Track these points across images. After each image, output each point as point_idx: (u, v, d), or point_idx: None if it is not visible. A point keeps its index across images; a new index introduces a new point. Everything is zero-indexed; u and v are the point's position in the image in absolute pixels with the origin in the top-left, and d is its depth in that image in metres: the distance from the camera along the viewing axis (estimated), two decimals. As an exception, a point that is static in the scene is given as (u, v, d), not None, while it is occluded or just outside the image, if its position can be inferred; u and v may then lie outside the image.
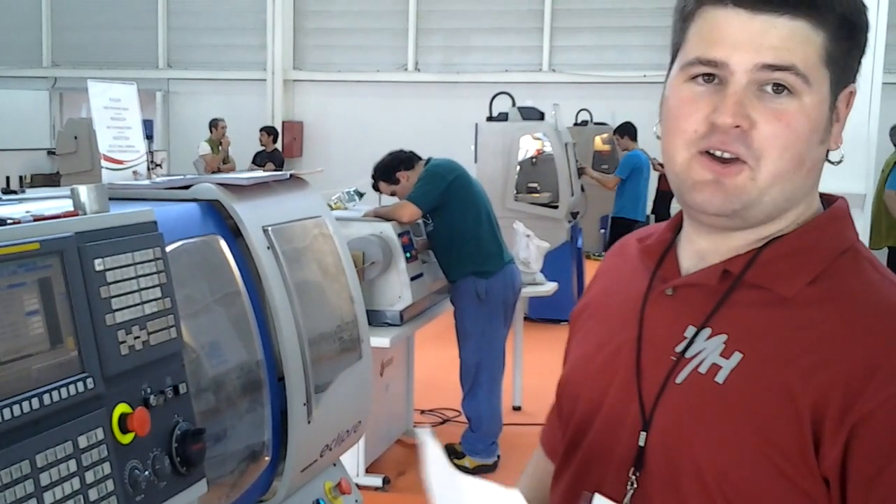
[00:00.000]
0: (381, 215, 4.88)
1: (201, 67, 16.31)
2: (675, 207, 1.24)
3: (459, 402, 5.17)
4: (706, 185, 1.09)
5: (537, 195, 8.78)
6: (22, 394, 1.14)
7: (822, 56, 1.07)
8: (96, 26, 16.53)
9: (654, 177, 9.97)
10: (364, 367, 2.26)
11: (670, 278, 1.20)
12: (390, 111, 15.23)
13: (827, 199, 1.19)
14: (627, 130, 9.85)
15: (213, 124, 12.58)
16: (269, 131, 13.26)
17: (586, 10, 14.81)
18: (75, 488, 1.18)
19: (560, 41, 15.02)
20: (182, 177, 2.14)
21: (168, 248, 1.45)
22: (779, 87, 1.07)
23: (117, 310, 1.30)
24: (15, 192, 2.06)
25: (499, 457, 5.12)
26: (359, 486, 2.45)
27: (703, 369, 1.10)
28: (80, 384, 1.21)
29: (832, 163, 1.15)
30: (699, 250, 1.19)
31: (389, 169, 5.13)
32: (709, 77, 1.09)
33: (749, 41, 1.06)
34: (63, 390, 1.18)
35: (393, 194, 5.19)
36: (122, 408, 1.28)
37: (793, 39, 1.06)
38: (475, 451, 5.07)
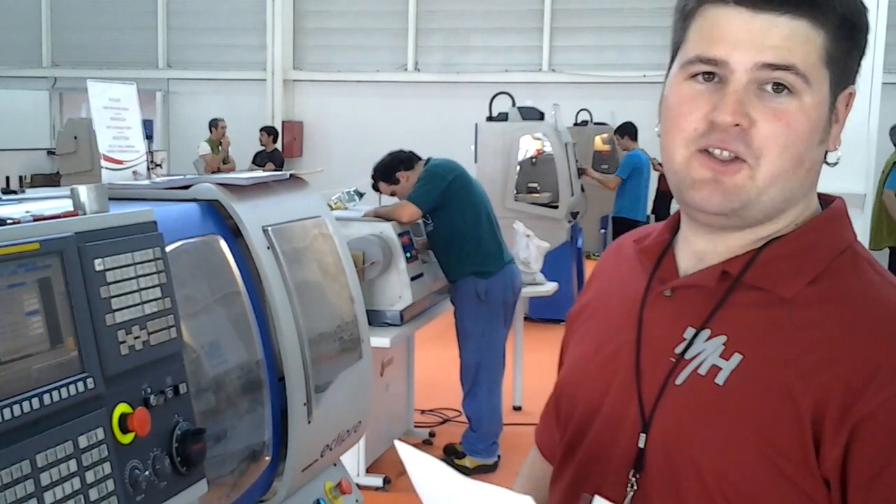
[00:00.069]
0: (381, 215, 4.88)
1: (201, 67, 16.31)
2: (675, 207, 1.23)
3: (460, 401, 5.17)
4: (705, 184, 1.09)
5: (537, 195, 8.77)
6: (22, 394, 1.14)
7: (823, 56, 1.07)
8: (96, 26, 16.53)
9: (654, 177, 9.97)
10: (364, 367, 2.26)
11: (669, 279, 1.19)
12: (390, 111, 15.23)
13: (825, 200, 1.19)
14: (628, 130, 9.86)
15: (213, 124, 12.58)
16: (268, 131, 13.26)
17: (586, 9, 14.80)
18: (76, 488, 1.18)
19: (560, 41, 15.02)
20: (182, 177, 2.14)
21: (168, 248, 1.46)
22: (779, 87, 1.07)
23: (117, 310, 1.30)
24: (15, 192, 2.06)
25: (499, 457, 5.12)
26: (359, 486, 2.45)
27: (702, 371, 1.10)
28: (80, 384, 1.21)
29: (829, 164, 1.15)
30: (697, 251, 1.18)
31: (389, 169, 5.13)
32: (709, 75, 1.09)
33: (750, 40, 1.06)
34: (63, 390, 1.18)
35: (393, 194, 5.19)
36: (122, 408, 1.28)
37: (793, 39, 1.06)
38: (475, 451, 5.07)
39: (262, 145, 13.15)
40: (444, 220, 4.94)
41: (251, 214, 1.92)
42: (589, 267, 8.84)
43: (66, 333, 1.22)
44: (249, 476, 1.87)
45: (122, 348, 1.29)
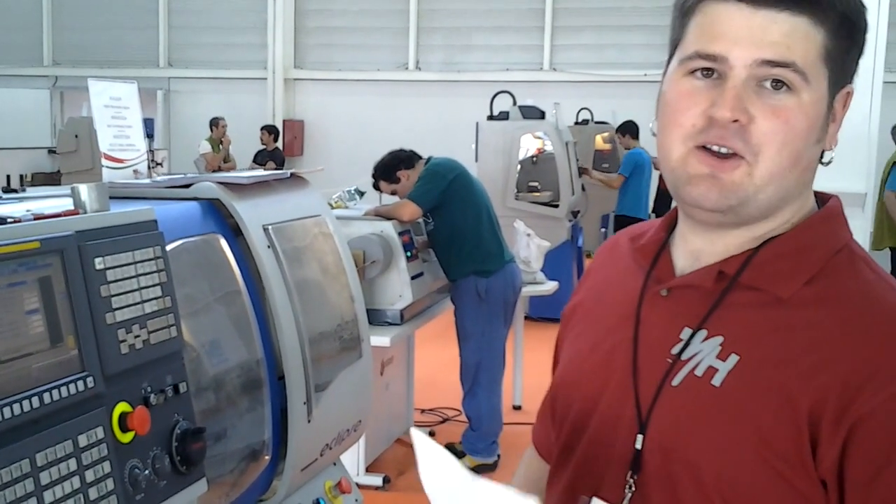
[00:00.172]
0: (381, 214, 4.88)
1: (202, 66, 16.30)
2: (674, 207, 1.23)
3: (459, 401, 5.17)
4: (702, 180, 1.09)
5: (538, 194, 8.77)
6: (22, 393, 1.14)
7: (822, 54, 1.07)
8: (97, 25, 16.52)
9: (655, 175, 9.97)
10: (364, 366, 2.26)
11: (665, 279, 1.19)
12: (391, 110, 15.22)
13: (820, 198, 1.19)
14: (629, 129, 9.86)
15: (214, 123, 12.57)
16: (269, 130, 13.25)
17: (587, 8, 14.79)
18: (75, 487, 1.18)
19: (561, 40, 15.01)
20: (183, 175, 2.14)
21: (168, 247, 1.45)
22: (778, 84, 1.06)
23: (117, 308, 1.30)
24: (15, 191, 2.06)
25: (499, 456, 5.13)
26: (359, 486, 2.45)
27: (699, 372, 1.10)
28: (80, 383, 1.21)
29: (823, 164, 1.15)
30: (694, 249, 1.18)
31: (390, 168, 5.13)
32: (708, 71, 1.09)
33: (749, 36, 1.06)
34: (63, 389, 1.18)
35: (393, 193, 5.19)
36: (122, 407, 1.28)
37: (793, 36, 1.05)
38: (475, 451, 5.07)
39: (262, 144, 13.15)
40: (445, 219, 4.94)
41: (252, 213, 1.92)
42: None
43: (67, 332, 1.22)
44: (249, 475, 1.87)
45: (122, 347, 1.29)
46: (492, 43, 15.12)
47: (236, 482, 1.83)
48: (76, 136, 4.80)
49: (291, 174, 2.21)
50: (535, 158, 9.02)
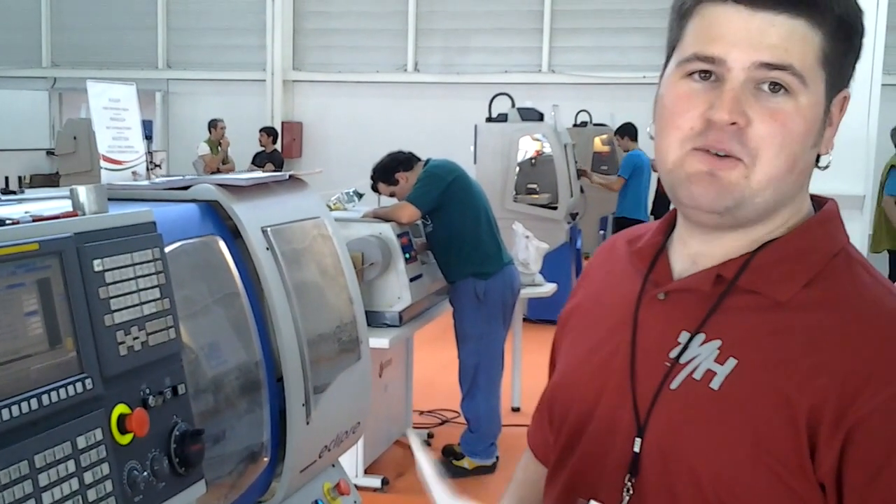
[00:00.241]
0: (380, 216, 4.88)
1: (201, 68, 16.31)
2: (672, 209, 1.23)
3: (458, 403, 5.17)
4: (701, 178, 1.08)
5: (536, 196, 8.78)
6: (21, 394, 1.13)
7: (819, 56, 1.07)
8: (96, 27, 16.52)
9: (654, 177, 9.98)
10: (363, 368, 2.26)
11: (662, 282, 1.19)
12: (390, 112, 15.22)
13: (817, 202, 1.19)
14: (628, 131, 9.87)
15: (213, 125, 12.57)
16: (268, 132, 13.25)
17: (586, 11, 14.80)
18: (74, 489, 1.18)
19: (559, 42, 15.02)
20: (181, 177, 2.14)
21: (167, 249, 1.45)
22: (775, 86, 1.06)
23: (116, 310, 1.30)
24: (14, 193, 2.06)
25: (497, 458, 5.13)
26: (357, 487, 2.45)
27: (697, 375, 1.10)
28: (78, 385, 1.21)
29: (820, 167, 1.15)
30: (691, 253, 1.18)
31: (388, 170, 5.13)
32: (705, 74, 1.09)
33: (748, 39, 1.06)
34: (62, 391, 1.18)
35: (392, 195, 5.19)
36: (120, 408, 1.28)
37: (791, 39, 1.05)
38: (474, 453, 5.07)
39: (261, 146, 13.15)
40: (444, 221, 4.94)
41: (250, 215, 1.92)
42: (588, 268, 8.82)
43: (65, 334, 1.22)
44: (248, 477, 1.87)
45: (120, 349, 1.29)
46: (490, 45, 15.13)
47: (235, 484, 1.82)
48: (75, 138, 4.80)
49: (290, 176, 2.21)
50: (533, 160, 9.02)
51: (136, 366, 1.32)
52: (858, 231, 4.77)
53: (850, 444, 1.00)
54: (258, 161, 12.88)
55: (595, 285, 1.34)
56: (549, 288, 6.23)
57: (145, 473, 1.30)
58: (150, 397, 1.34)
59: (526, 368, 6.18)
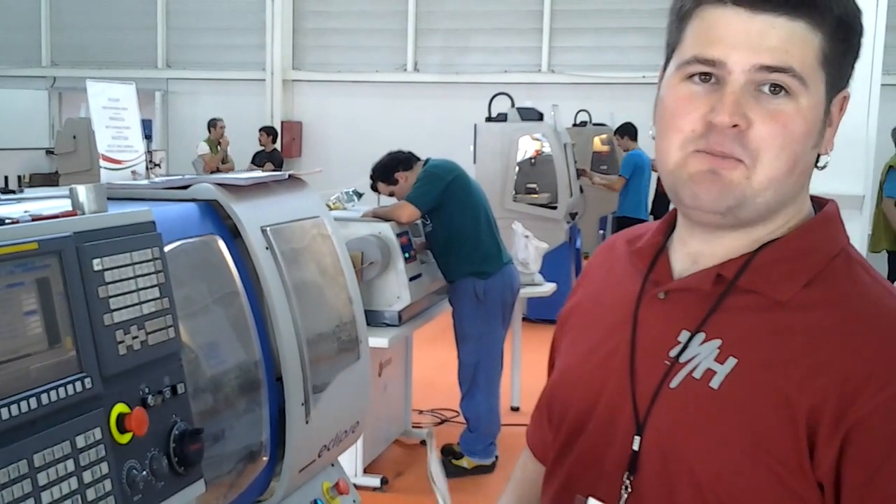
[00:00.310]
0: (379, 216, 4.88)
1: (200, 67, 16.30)
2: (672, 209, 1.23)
3: (458, 402, 5.17)
4: (703, 177, 1.09)
5: (536, 196, 8.78)
6: (20, 393, 1.13)
7: (819, 58, 1.07)
8: (95, 26, 16.52)
9: (654, 176, 9.98)
10: (362, 368, 2.26)
11: (663, 281, 1.19)
12: (389, 111, 15.22)
13: (817, 202, 1.19)
14: (628, 131, 9.87)
15: (212, 124, 12.57)
16: (268, 131, 13.25)
17: (585, 10, 14.80)
18: (73, 488, 1.18)
19: (559, 42, 15.02)
20: (181, 177, 2.14)
21: (166, 248, 1.45)
22: (776, 88, 1.07)
23: (115, 310, 1.30)
24: (13, 192, 2.06)
25: (497, 457, 5.13)
26: (357, 487, 2.45)
27: (697, 374, 1.10)
28: (77, 384, 1.21)
29: (819, 168, 1.15)
30: (692, 252, 1.18)
31: (388, 169, 5.13)
32: (706, 76, 1.09)
33: (748, 41, 1.06)
34: (61, 390, 1.18)
35: (391, 195, 5.19)
36: (119, 408, 1.28)
37: (791, 41, 1.06)
38: (473, 452, 5.07)
39: (261, 145, 13.14)
40: (443, 220, 4.94)
41: (250, 215, 1.92)
42: (587, 268, 8.82)
43: (64, 333, 1.22)
44: (247, 476, 1.87)
45: (120, 348, 1.29)
46: (490, 45, 15.13)
47: (234, 483, 1.82)
48: (74, 137, 4.80)
49: (289, 175, 2.21)
50: (533, 160, 9.02)
51: (136, 365, 1.32)
52: (858, 231, 4.77)
53: (850, 444, 1.00)
54: (258, 160, 12.88)
55: (595, 284, 1.34)
56: (548, 287, 6.24)
57: (144, 473, 1.30)
58: (150, 396, 1.34)
59: (525, 368, 6.18)
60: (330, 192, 5.84)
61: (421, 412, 5.93)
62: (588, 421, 1.20)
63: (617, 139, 10.37)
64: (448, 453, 5.13)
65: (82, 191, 1.36)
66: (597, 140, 12.29)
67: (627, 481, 1.12)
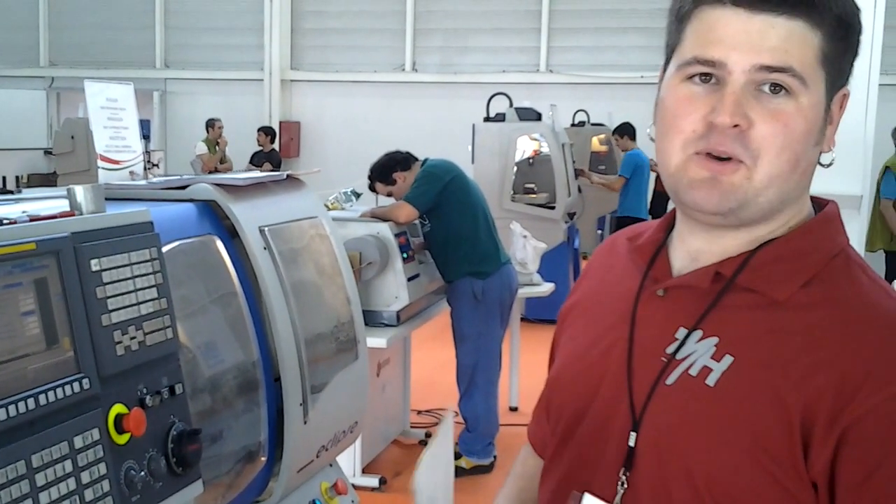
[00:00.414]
0: (377, 216, 4.88)
1: (198, 67, 16.29)
2: (672, 208, 1.23)
3: (456, 402, 5.17)
4: (703, 183, 1.09)
5: (534, 196, 8.77)
6: (18, 394, 1.13)
7: (819, 57, 1.07)
8: (93, 26, 16.51)
9: (653, 176, 9.99)
10: (360, 368, 2.26)
11: (662, 279, 1.20)
12: (388, 111, 15.21)
13: (818, 203, 1.19)
14: (626, 131, 9.87)
15: (210, 124, 12.57)
16: (266, 131, 13.24)
17: (584, 10, 14.79)
18: (71, 489, 1.18)
19: (557, 42, 15.02)
20: (179, 177, 2.14)
21: (164, 249, 1.45)
22: (776, 88, 1.07)
23: (113, 310, 1.30)
24: (11, 192, 2.06)
25: (495, 457, 5.13)
26: (355, 487, 2.45)
27: (693, 371, 1.10)
28: (75, 384, 1.21)
29: (823, 165, 1.15)
30: (691, 251, 1.19)
31: (386, 169, 5.13)
32: (706, 77, 1.09)
33: (747, 41, 1.06)
34: (59, 391, 1.18)
35: (389, 195, 5.19)
36: (117, 408, 1.28)
37: (790, 40, 1.06)
38: (472, 452, 5.07)
39: (259, 145, 13.14)
40: (441, 220, 4.94)
41: (248, 215, 1.92)
42: (586, 268, 8.83)
43: (62, 334, 1.22)
44: (245, 476, 1.86)
45: (118, 349, 1.29)
46: (488, 45, 15.13)
47: (232, 483, 1.82)
48: (72, 138, 4.79)
49: (288, 175, 2.21)
50: (531, 160, 9.02)
51: (134, 365, 1.32)
52: (856, 231, 4.78)
53: (845, 445, 1.00)
54: (256, 160, 12.87)
55: (595, 282, 1.35)
56: (546, 287, 6.24)
57: (142, 473, 1.30)
58: (148, 397, 1.34)
59: (524, 368, 6.18)
60: (328, 192, 5.84)
61: (419, 412, 5.93)
62: (585, 416, 1.20)
63: (616, 139, 10.37)
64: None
65: (80, 191, 1.36)
66: (595, 140, 12.29)
67: (623, 477, 1.13)
